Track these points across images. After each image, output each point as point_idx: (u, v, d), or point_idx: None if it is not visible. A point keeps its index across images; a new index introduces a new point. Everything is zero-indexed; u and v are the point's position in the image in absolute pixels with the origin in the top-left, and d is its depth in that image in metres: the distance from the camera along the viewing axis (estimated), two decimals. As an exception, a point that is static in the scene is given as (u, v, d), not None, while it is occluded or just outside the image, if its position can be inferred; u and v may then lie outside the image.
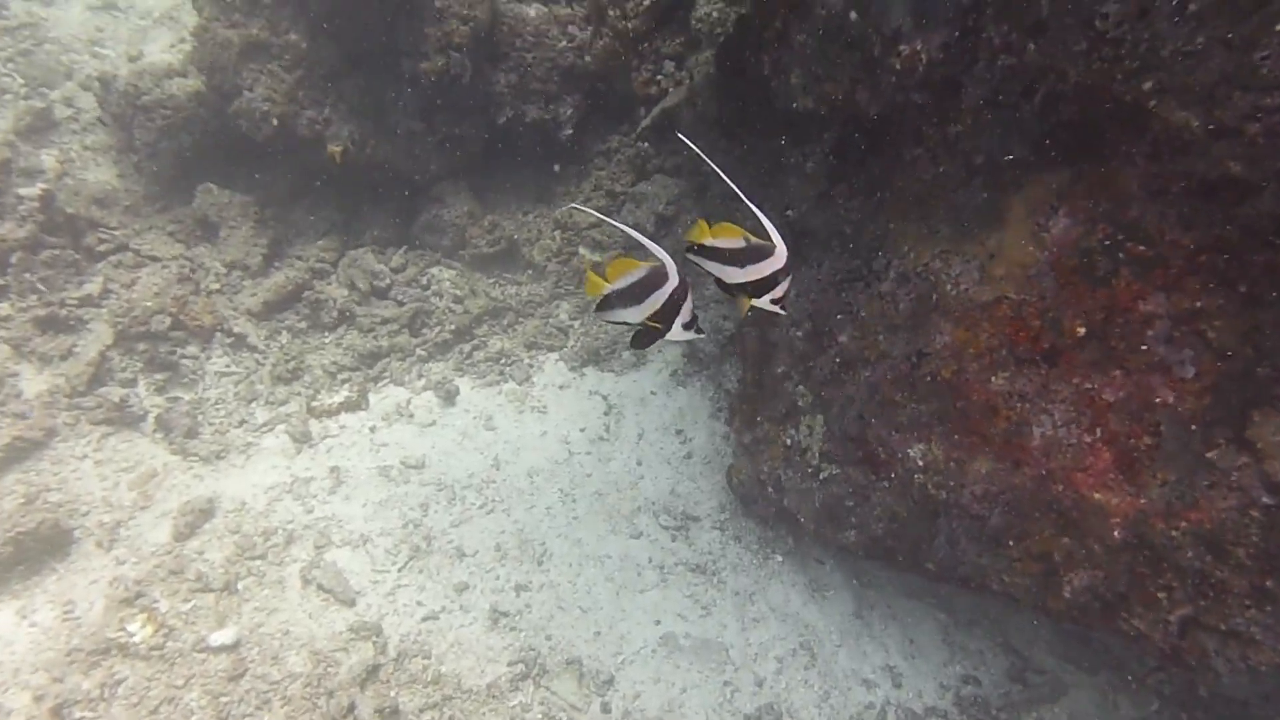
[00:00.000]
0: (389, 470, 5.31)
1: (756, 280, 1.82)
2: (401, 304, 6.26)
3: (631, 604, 4.79)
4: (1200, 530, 2.56)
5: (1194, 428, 2.64)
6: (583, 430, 5.69)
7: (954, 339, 3.15)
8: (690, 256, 1.91)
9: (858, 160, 3.55)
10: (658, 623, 4.69)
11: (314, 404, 5.64)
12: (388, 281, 6.30)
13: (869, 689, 4.50)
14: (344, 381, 5.85)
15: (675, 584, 4.92)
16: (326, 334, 6.12)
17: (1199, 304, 2.58)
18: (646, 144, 6.30)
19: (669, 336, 1.92)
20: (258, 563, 4.75)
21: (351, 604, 4.56)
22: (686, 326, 1.97)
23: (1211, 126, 2.19)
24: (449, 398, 5.81)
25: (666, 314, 1.87)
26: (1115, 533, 2.82)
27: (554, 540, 5.06)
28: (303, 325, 6.09)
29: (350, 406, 5.70)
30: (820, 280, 3.77)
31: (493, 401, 5.87)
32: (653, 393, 5.88)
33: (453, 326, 6.18)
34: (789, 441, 4.29)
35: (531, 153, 6.39)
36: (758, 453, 4.57)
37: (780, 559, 5.12)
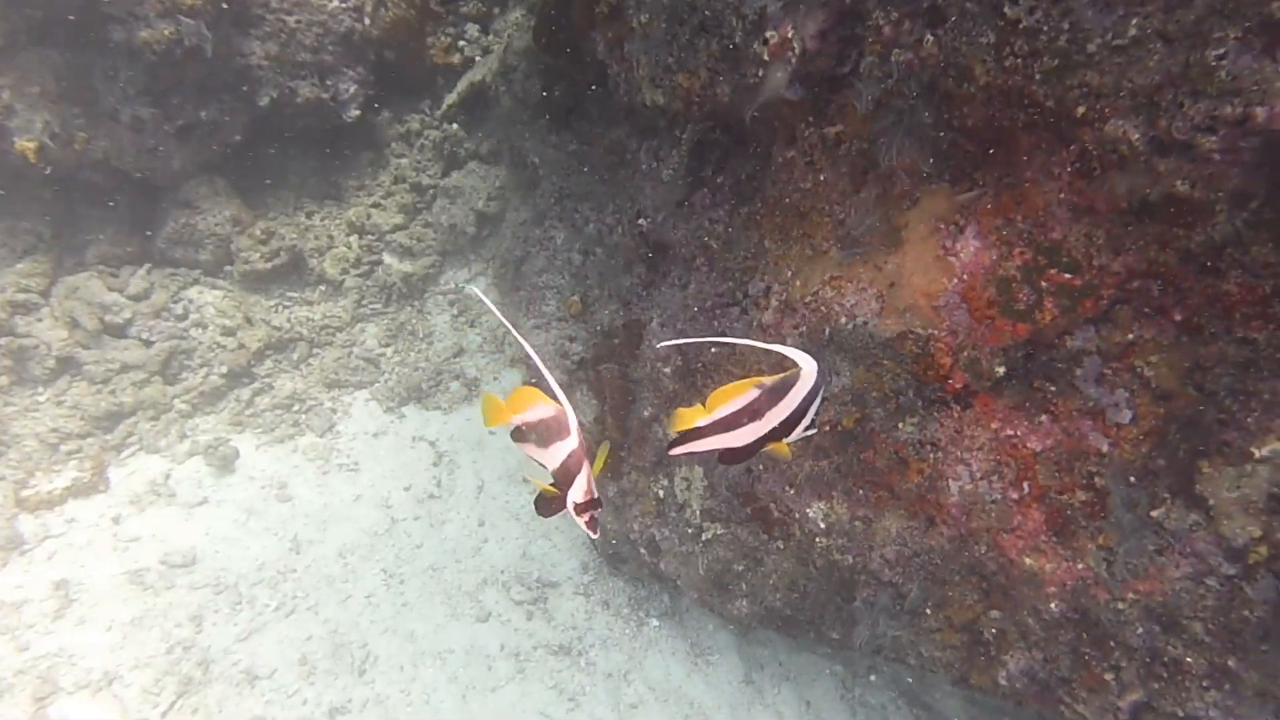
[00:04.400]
0: (143, 575, 4.43)
1: (785, 420, 1.56)
2: (149, 343, 5.29)
3: (483, 708, 4.26)
4: (1150, 603, 2.43)
5: (1134, 481, 2.50)
6: (407, 489, 5.05)
7: (854, 381, 2.87)
8: (677, 452, 1.63)
9: (719, 161, 3.18)
10: (517, 729, 4.21)
11: (25, 492, 4.61)
12: (126, 315, 5.29)
13: (769, 770, 4.27)
14: (70, 455, 4.85)
15: (535, 674, 4.44)
16: (40, 390, 5.06)
17: (1131, 336, 2.42)
18: (455, 125, 5.66)
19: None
20: (-52, 736, 3.79)
21: (95, 776, 3.73)
22: (580, 508, 1.70)
23: (1155, 139, 1.98)
24: (225, 464, 4.96)
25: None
26: (1052, 605, 2.65)
27: (378, 639, 4.42)
28: (1, 381, 4.98)
29: (81, 490, 4.72)
30: (687, 305, 3.39)
31: (286, 463, 5.09)
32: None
33: (224, 368, 5.31)
34: (662, 494, 3.92)
35: (309, 140, 5.57)
36: (625, 508, 4.17)
37: (656, 623, 4.78)
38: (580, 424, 1.67)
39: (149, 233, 5.52)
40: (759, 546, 3.49)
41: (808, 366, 1.54)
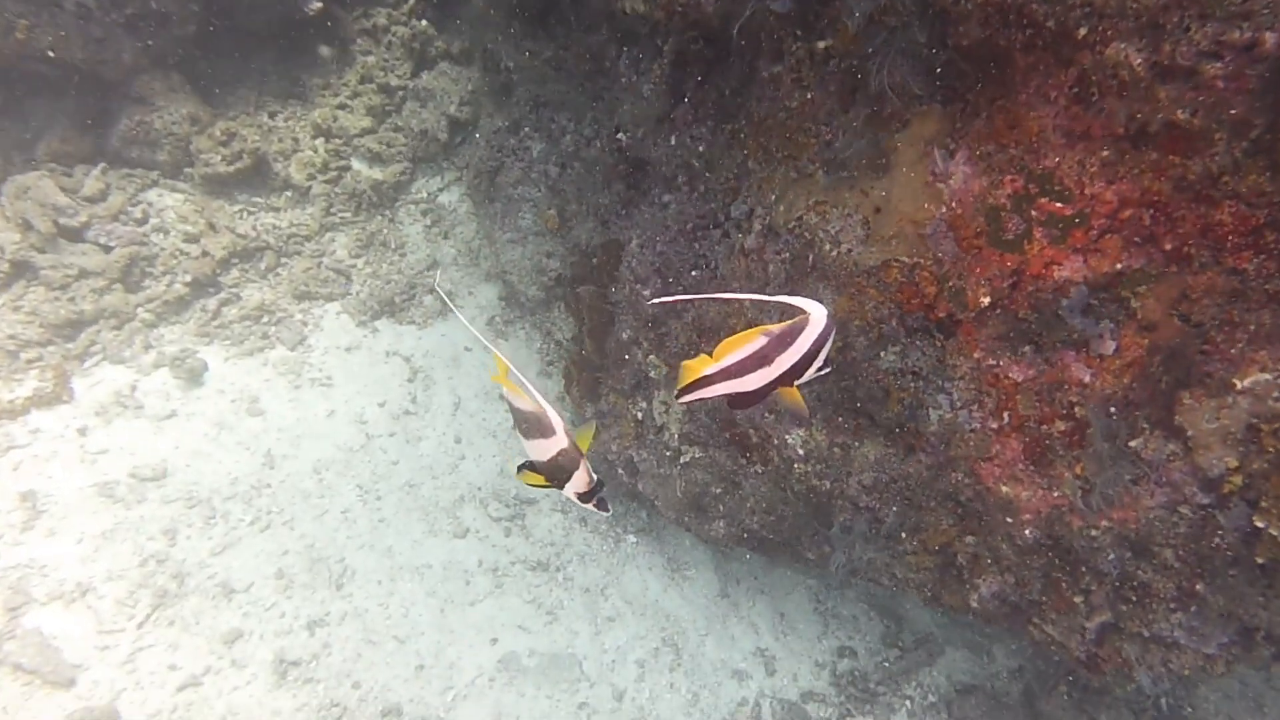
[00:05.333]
0: (113, 487, 4.47)
1: (795, 364, 1.59)
2: (108, 248, 5.18)
3: (461, 622, 4.42)
4: (1124, 530, 2.52)
5: (1114, 411, 2.55)
6: (382, 405, 5.08)
7: (836, 309, 2.87)
8: (686, 399, 1.68)
9: (702, 75, 3.08)
10: (495, 641, 4.37)
11: (-12, 405, 4.61)
12: (82, 218, 5.17)
13: (741, 681, 4.47)
14: (30, 364, 4.82)
15: (513, 589, 4.59)
16: (-6, 299, 4.98)
17: (1120, 267, 2.42)
18: (424, 21, 5.42)
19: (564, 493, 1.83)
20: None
21: (69, 684, 3.83)
22: (584, 497, 1.82)
23: (1158, 65, 1.93)
24: (193, 376, 4.95)
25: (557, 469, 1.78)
26: (1026, 531, 2.75)
27: (355, 554, 4.53)
28: (-46, 291, 4.90)
29: (44, 400, 4.70)
30: (668, 226, 3.35)
31: (257, 376, 5.08)
32: (467, 349, 5.33)
33: (188, 276, 5.23)
34: (640, 417, 3.96)
35: (268, 34, 5.33)
36: (604, 428, 4.22)
37: (634, 539, 4.92)
38: (563, 421, 1.74)
39: (96, 128, 5.32)
40: (737, 470, 3.56)
41: (816, 312, 1.57)
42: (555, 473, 1.76)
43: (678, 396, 1.68)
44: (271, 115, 5.54)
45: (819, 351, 1.59)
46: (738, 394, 1.65)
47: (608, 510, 1.87)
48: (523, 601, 4.54)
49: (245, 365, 5.10)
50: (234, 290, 5.32)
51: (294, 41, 5.48)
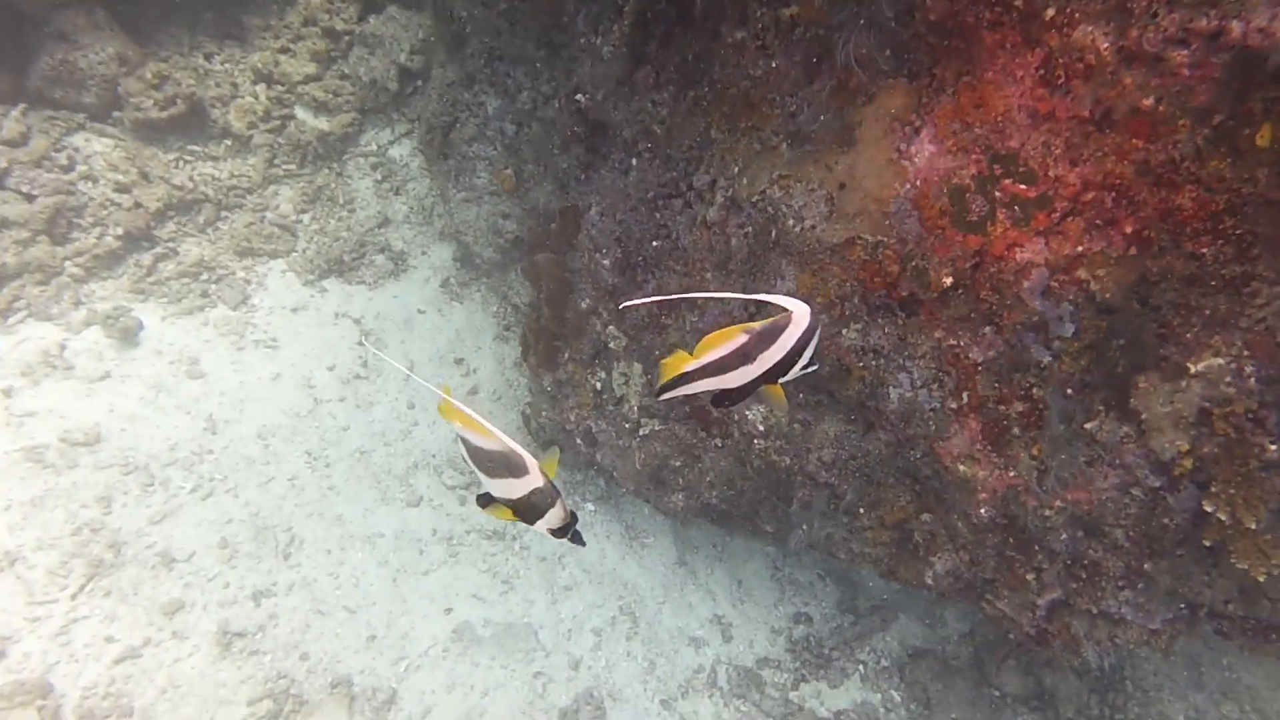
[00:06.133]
0: (41, 452, 4.39)
1: (779, 362, 1.62)
2: (30, 196, 5.02)
3: (414, 591, 4.46)
4: (1077, 511, 2.62)
5: (1071, 393, 2.63)
6: (331, 368, 5.03)
7: (798, 286, 2.90)
8: (666, 397, 1.70)
9: (664, 37, 3.04)
10: (449, 611, 4.42)
11: (-95, 367, 4.48)
12: (2, 163, 4.99)
13: (697, 649, 4.59)
14: (-49, 325, 4.69)
15: (468, 558, 4.63)
16: (-90, 254, 4.81)
17: (1080, 249, 2.48)
18: (376, -40, 5.27)
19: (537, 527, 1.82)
20: None
21: None
22: (558, 533, 1.82)
23: (1124, 49, 1.95)
24: (127, 336, 4.85)
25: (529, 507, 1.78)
26: (982, 510, 2.84)
27: (303, 522, 4.53)
28: None
29: (-32, 364, 4.60)
30: (628, 194, 3.33)
31: (196, 336, 5.00)
32: (420, 311, 5.28)
33: (120, 229, 5.09)
34: (600, 387, 3.99)
35: (204, -31, 5.14)
36: (562, 398, 4.24)
37: (592, 507, 4.98)
38: (534, 460, 1.73)
39: (19, 68, 5.11)
40: (697, 444, 3.61)
41: (799, 311, 1.59)
42: (527, 510, 1.76)
43: (657, 395, 1.70)
44: (207, 57, 5.36)
45: (803, 350, 1.61)
46: (720, 391, 1.68)
47: (583, 544, 1.89)
48: (478, 571, 4.59)
49: (184, 325, 5.01)
50: (170, 245, 5.20)
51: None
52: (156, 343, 4.91)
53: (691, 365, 1.63)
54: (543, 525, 1.78)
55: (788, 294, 2.72)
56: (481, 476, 1.79)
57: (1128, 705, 4.27)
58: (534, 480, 1.73)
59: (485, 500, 1.85)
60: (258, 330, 5.06)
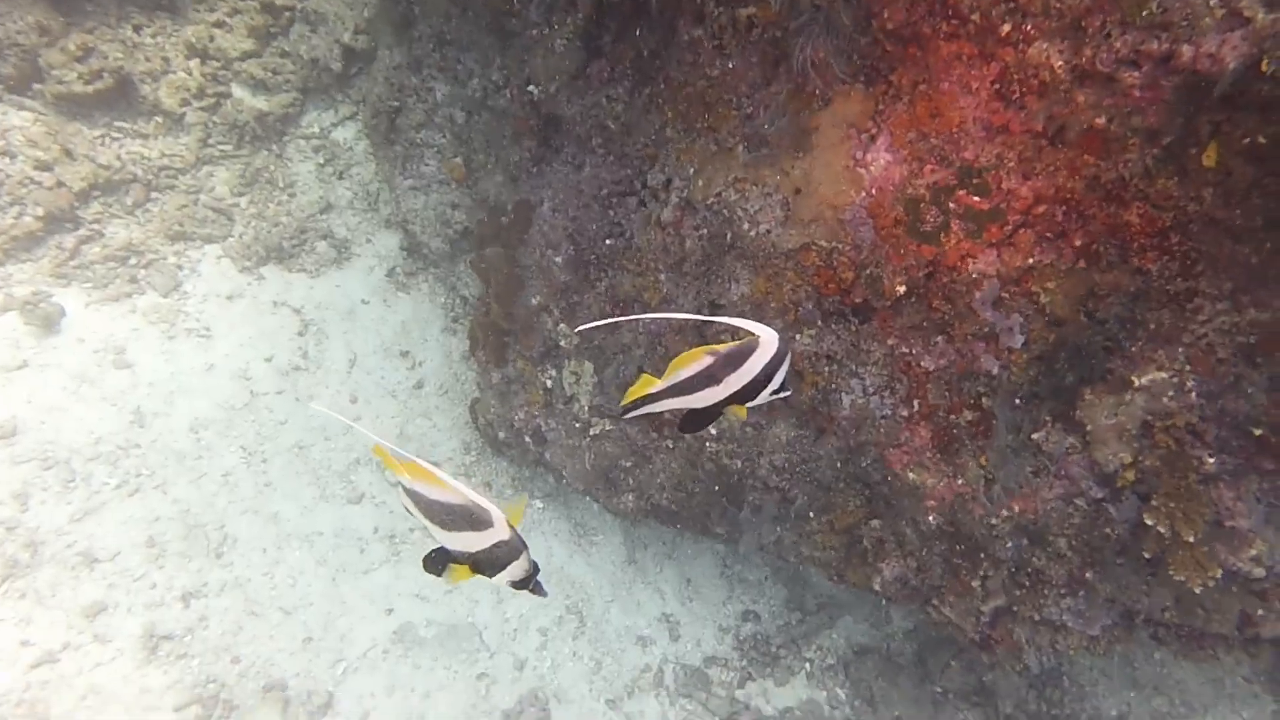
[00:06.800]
0: (-44, 448, 4.24)
1: (746, 386, 1.65)
2: (-58, 175, 4.81)
3: (354, 591, 4.41)
4: (1022, 520, 2.69)
5: (1019, 403, 2.70)
6: (269, 360, 4.91)
7: (753, 290, 2.92)
8: (630, 416, 1.77)
9: (620, 31, 3.03)
10: (390, 611, 4.38)
11: None
12: (-89, 139, 4.77)
13: (644, 648, 4.63)
14: None
15: (411, 557, 4.59)
16: None
17: (1031, 261, 2.54)
18: (320, -66, 5.12)
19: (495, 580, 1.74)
20: None
21: (-84, 668, 3.70)
22: (519, 584, 1.74)
23: (1078, 68, 2.00)
24: (47, 322, 4.67)
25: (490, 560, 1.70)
26: (930, 517, 2.90)
27: (237, 520, 4.43)
28: None
29: (-126, 352, 4.39)
30: (581, 191, 3.32)
31: (123, 324, 4.83)
32: (364, 301, 5.19)
33: (40, 209, 4.89)
34: (550, 385, 3.97)
35: (135, -63, 4.94)
36: (510, 395, 4.22)
37: (540, 504, 4.96)
38: (499, 511, 1.66)
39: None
40: (648, 445, 3.63)
41: (767, 335, 1.63)
42: (487, 565, 1.68)
43: (622, 413, 1.71)
44: (136, 29, 5.16)
45: (772, 375, 1.65)
46: (690, 412, 1.71)
47: (545, 595, 1.83)
48: (421, 570, 4.54)
49: (110, 311, 4.84)
50: (96, 227, 5.01)
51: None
52: (79, 330, 4.74)
53: (657, 386, 1.66)
54: (503, 578, 1.70)
55: (753, 317, 2.77)
56: (435, 532, 1.69)
57: (1064, 700, 4.42)
58: (499, 533, 1.64)
59: (437, 561, 1.75)
60: (190, 319, 4.92)
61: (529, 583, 1.74)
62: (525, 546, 1.70)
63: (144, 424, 4.56)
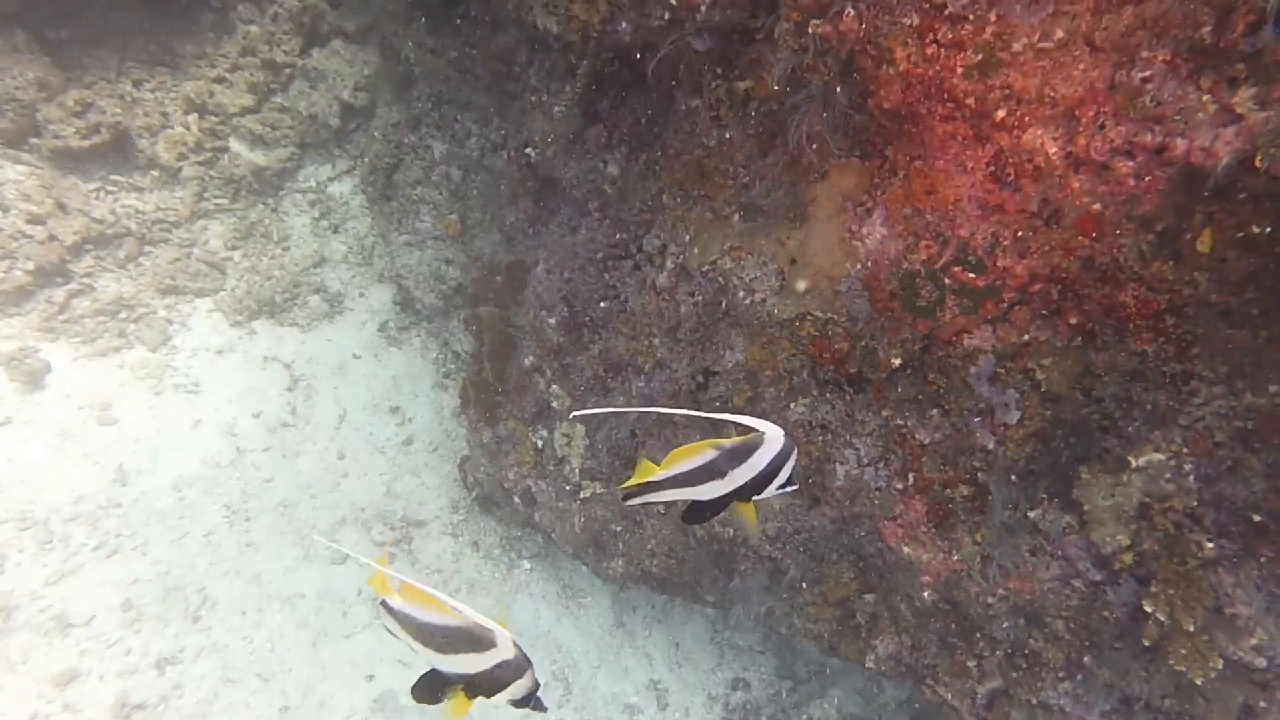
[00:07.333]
0: (-67, 506, 4.16)
1: (751, 481, 1.69)
2: (-66, 226, 4.80)
3: (335, 656, 4.31)
4: (1019, 600, 2.66)
5: (1015, 480, 2.67)
6: (257, 415, 4.87)
7: (747, 358, 2.91)
8: (633, 503, 1.75)
9: (618, 97, 3.06)
10: (371, 678, 4.28)
11: None
12: (-96, 190, 4.76)
13: (631, 716, 4.52)
14: None
15: (395, 620, 4.49)
16: None
17: (1027, 338, 2.54)
18: (321, -6, 5.20)
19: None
20: None
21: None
22: (520, 702, 1.71)
23: (1072, 155, 2.02)
24: (33, 378, 4.63)
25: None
26: (925, 593, 2.86)
27: (217, 581, 4.35)
28: None
29: None
30: (577, 253, 3.32)
31: (110, 380, 4.79)
32: (356, 356, 5.16)
33: (31, 263, 4.88)
34: (541, 445, 3.94)
35: (136, -4, 5.01)
36: (501, 454, 4.18)
37: (528, 565, 4.89)
38: (504, 630, 1.63)
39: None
40: (639, 510, 3.58)
41: (772, 432, 1.65)
42: (488, 685, 1.65)
43: (624, 498, 1.72)
44: (136, 84, 5.21)
45: (778, 470, 1.67)
46: (694, 504, 1.73)
47: (544, 709, 1.78)
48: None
49: (97, 367, 4.80)
50: (86, 280, 5.00)
51: (163, 3, 5.15)
52: (65, 385, 4.69)
53: (660, 475, 1.67)
54: (503, 698, 1.66)
55: (748, 384, 2.78)
56: (429, 655, 1.64)
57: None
58: (503, 652, 1.61)
59: (430, 687, 1.70)
60: (178, 373, 4.88)
61: (530, 700, 1.70)
62: (530, 663, 1.66)
63: (126, 482, 4.50)
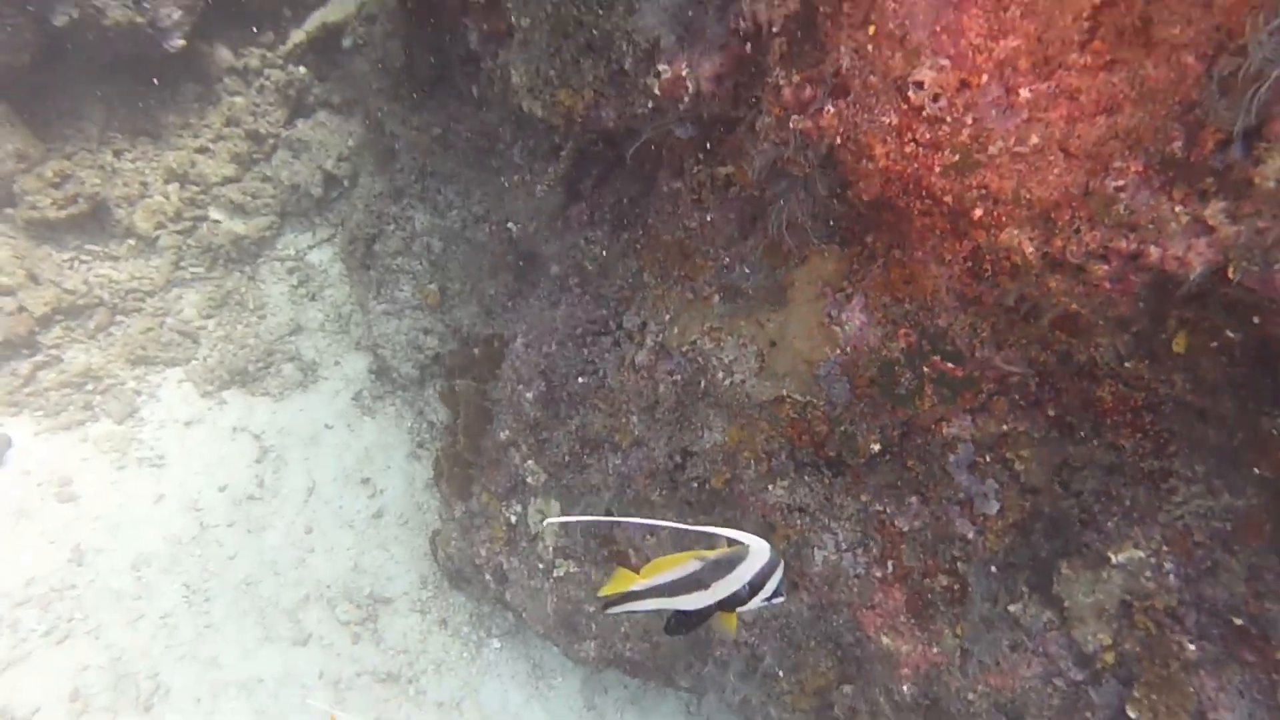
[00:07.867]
0: (-122, 584, 3.99)
1: (734, 593, 1.69)
2: (-101, 293, 4.71)
3: (293, 745, 4.13)
4: (999, 697, 2.60)
5: (995, 571, 2.64)
6: (223, 489, 4.75)
7: (726, 439, 2.89)
8: (613, 611, 1.74)
9: (601, 177, 3.09)
10: (329, 767, 4.11)
11: None
12: (-128, 255, 4.68)
13: (604, 805, 4.36)
14: None
15: (356, 704, 4.33)
16: None
17: (1005, 428, 2.54)
18: (303, 68, 5.25)
19: None
20: None
21: None
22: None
23: (1049, 256, 2.04)
24: (-8, 449, 4.51)
25: None
26: (905, 686, 2.80)
27: (172, 667, 4.16)
28: None
29: None
30: (556, 328, 3.31)
31: (73, 454, 4.66)
32: (328, 426, 5.07)
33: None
34: (514, 521, 3.86)
35: (120, 68, 5.02)
36: (473, 529, 4.09)
37: (497, 643, 4.75)
38: None
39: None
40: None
41: (757, 545, 1.65)
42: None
43: (605, 608, 1.71)
44: (118, 154, 5.19)
45: (763, 583, 1.67)
46: (678, 614, 1.72)
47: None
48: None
49: (59, 441, 4.68)
50: (54, 352, 4.90)
51: (148, 71, 5.17)
52: (25, 461, 4.56)
53: (640, 584, 1.67)
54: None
55: (726, 465, 2.75)
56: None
57: None
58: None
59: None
60: (144, 446, 4.77)
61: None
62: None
63: (82, 562, 4.35)
